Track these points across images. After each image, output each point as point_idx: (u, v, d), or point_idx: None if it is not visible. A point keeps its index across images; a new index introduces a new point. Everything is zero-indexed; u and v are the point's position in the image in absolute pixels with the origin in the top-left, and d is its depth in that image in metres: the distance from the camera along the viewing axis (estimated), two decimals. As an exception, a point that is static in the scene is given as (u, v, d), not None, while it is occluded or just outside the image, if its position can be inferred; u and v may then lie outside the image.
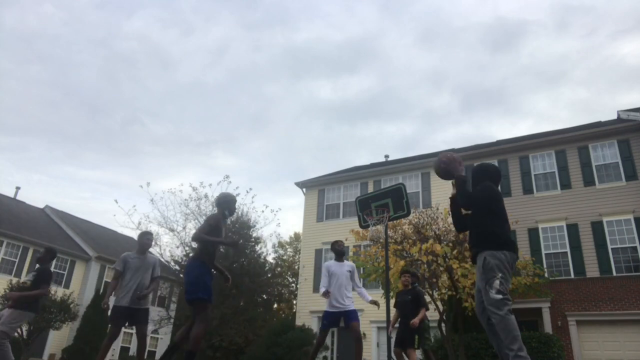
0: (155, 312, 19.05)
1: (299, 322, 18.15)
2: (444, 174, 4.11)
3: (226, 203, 5.09)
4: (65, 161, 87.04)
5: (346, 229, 15.96)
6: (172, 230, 16.95)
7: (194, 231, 17.26)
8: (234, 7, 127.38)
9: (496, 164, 18.19)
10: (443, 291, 12.13)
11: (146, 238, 6.19)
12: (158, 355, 26.38)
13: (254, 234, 18.32)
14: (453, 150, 20.50)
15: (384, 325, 7.82)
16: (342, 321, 6.00)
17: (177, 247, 17.10)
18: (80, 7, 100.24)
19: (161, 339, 26.48)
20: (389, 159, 23.54)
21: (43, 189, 77.13)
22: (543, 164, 17.40)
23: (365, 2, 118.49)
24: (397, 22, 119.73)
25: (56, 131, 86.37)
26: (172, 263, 17.41)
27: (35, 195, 76.35)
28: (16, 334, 17.05)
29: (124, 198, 78.68)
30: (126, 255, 5.97)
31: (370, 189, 19.38)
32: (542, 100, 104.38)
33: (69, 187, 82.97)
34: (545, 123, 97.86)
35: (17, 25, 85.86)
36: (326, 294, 5.97)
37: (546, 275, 14.07)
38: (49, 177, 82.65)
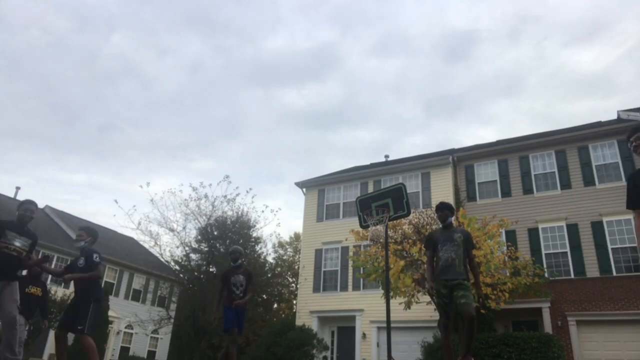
0: (155, 312, 19.08)
1: (299, 322, 18.14)
2: None
3: None
4: (50, 164, 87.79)
5: (346, 229, 15.96)
6: (172, 230, 16.91)
7: (194, 231, 17.28)
8: (203, 28, 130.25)
9: (496, 164, 18.20)
10: (443, 291, 12.12)
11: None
12: (158, 355, 26.38)
13: (254, 234, 18.28)
14: (452, 150, 20.50)
15: (384, 325, 7.83)
16: None
17: (177, 247, 17.06)
18: (63, 31, 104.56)
19: (161, 339, 26.48)
20: (389, 159, 23.53)
21: (30, 191, 77.89)
22: (543, 164, 17.41)
23: (325, 20, 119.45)
24: (355, 35, 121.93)
25: (41, 138, 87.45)
26: (172, 263, 17.38)
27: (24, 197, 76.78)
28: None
29: (109, 200, 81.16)
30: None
31: (370, 189, 19.37)
32: (504, 106, 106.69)
33: (55, 190, 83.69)
34: (509, 129, 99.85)
35: (5, 47, 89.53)
36: None
37: (546, 275, 14.08)
38: (35, 179, 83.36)
